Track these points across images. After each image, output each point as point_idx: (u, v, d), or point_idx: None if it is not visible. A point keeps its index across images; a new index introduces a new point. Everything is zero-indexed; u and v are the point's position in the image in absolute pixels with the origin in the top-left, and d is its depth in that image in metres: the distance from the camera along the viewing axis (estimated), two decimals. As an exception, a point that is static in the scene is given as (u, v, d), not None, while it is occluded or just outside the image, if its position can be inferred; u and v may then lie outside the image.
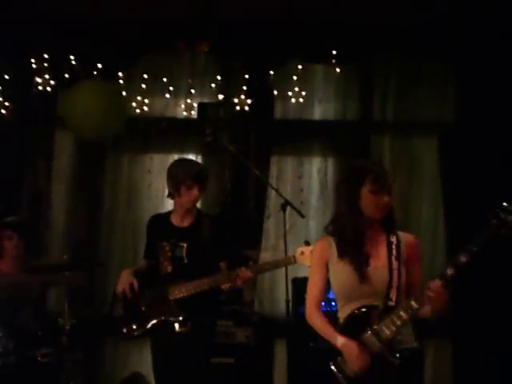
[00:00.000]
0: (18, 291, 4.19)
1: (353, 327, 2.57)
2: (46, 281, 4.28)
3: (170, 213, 3.69)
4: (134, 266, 3.76)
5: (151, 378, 4.34)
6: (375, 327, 2.51)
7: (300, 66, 4.99)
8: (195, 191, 3.53)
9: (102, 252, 4.99)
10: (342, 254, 2.64)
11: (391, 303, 2.54)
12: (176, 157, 4.83)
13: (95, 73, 4.91)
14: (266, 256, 4.53)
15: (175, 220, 3.64)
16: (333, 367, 2.57)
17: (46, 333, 3.89)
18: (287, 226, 3.84)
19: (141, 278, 3.57)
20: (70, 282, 4.03)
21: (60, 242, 5.00)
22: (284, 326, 4.32)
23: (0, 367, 3.66)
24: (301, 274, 4.24)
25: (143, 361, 4.60)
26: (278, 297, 4.85)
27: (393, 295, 2.56)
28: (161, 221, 3.70)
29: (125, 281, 3.54)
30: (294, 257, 3.40)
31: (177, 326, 3.45)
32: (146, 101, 5.03)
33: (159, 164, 5.05)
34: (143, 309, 3.52)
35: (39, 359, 3.77)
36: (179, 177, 3.54)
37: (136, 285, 3.53)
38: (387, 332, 2.49)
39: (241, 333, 4.55)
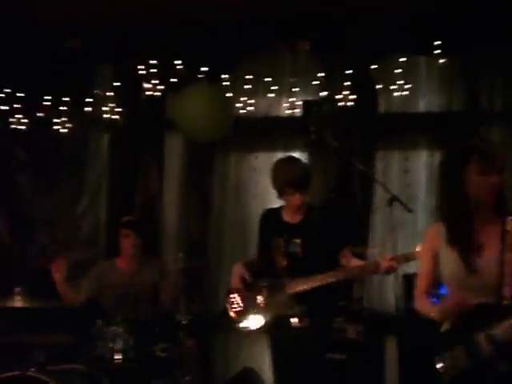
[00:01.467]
0: (135, 288, 4.42)
1: (462, 324, 2.36)
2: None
3: (281, 208, 3.75)
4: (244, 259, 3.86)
5: (263, 374, 4.47)
6: (491, 331, 2.25)
7: (403, 59, 4.92)
8: (297, 196, 3.56)
9: (212, 250, 5.12)
10: (450, 242, 2.44)
11: (505, 302, 2.25)
12: (281, 155, 4.93)
13: (201, 76, 5.06)
14: (374, 252, 4.51)
15: (286, 216, 3.68)
16: (439, 364, 2.36)
17: (163, 328, 4.05)
18: (394, 222, 3.80)
19: (253, 271, 3.66)
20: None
21: (172, 240, 5.17)
22: (394, 322, 4.29)
23: (121, 362, 3.87)
24: (411, 270, 4.18)
25: (255, 356, 4.72)
26: (387, 293, 4.81)
27: (507, 293, 2.26)
28: (273, 216, 3.75)
29: (237, 274, 3.65)
30: (412, 253, 3.33)
31: (294, 320, 3.50)
32: (251, 101, 5.12)
33: (265, 162, 5.08)
34: (259, 303, 3.60)
35: (157, 354, 3.96)
36: (280, 183, 3.59)
37: (247, 277, 3.62)
38: (503, 337, 2.23)
39: (352, 329, 4.54)
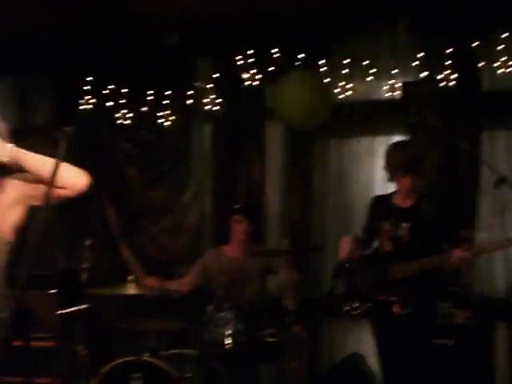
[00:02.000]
0: (243, 274, 4.50)
1: None
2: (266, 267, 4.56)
3: (392, 194, 3.74)
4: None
5: (370, 359, 4.45)
6: None
7: (505, 35, 4.73)
8: (409, 179, 3.55)
9: (315, 237, 5.13)
10: None
11: None
12: (382, 139, 4.88)
13: (298, 63, 5.07)
14: (481, 236, 4.40)
15: (397, 200, 3.68)
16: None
17: (271, 314, 4.11)
18: (503, 205, 3.69)
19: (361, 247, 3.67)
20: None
21: (276, 228, 5.22)
22: (505, 307, 4.17)
23: (232, 347, 3.96)
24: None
25: (362, 341, 4.70)
26: (497, 277, 4.68)
27: None
28: (383, 201, 3.77)
29: (345, 247, 3.67)
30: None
31: (398, 306, 3.48)
32: (349, 85, 5.07)
33: (366, 147, 5.07)
34: (364, 287, 3.60)
35: (266, 339, 4.03)
36: (392, 166, 3.59)
37: (356, 250, 3.62)
38: None
39: (460, 314, 4.45)
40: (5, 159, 2.44)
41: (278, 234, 5.12)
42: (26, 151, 2.50)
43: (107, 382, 3.82)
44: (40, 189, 2.51)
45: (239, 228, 4.57)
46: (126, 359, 3.80)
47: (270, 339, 4.01)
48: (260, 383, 4.43)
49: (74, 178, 2.54)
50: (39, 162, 2.51)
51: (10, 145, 2.47)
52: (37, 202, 2.56)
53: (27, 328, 3.91)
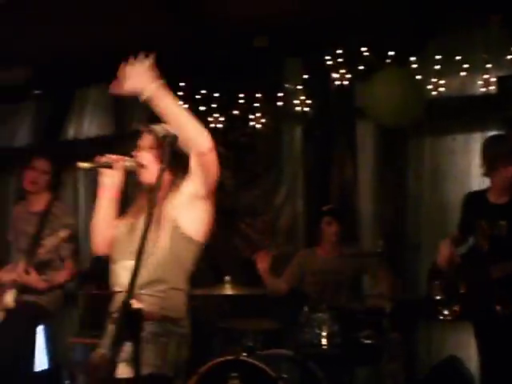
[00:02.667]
0: (337, 275, 4.50)
1: None
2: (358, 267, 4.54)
3: (486, 190, 3.63)
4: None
5: (468, 362, 4.34)
6: None
7: None
8: (510, 170, 3.44)
9: (410, 237, 5.03)
10: None
11: None
12: (478, 135, 4.75)
13: (388, 61, 5.01)
14: None
15: (492, 197, 3.57)
16: None
17: (366, 315, 4.09)
18: None
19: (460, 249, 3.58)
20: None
21: (369, 229, 5.15)
22: None
23: (327, 348, 3.95)
24: None
25: (460, 344, 4.59)
26: None
27: None
28: (477, 198, 3.67)
29: (444, 252, 3.59)
30: None
31: (498, 307, 3.38)
32: (442, 81, 4.97)
33: (462, 144, 4.94)
34: (462, 289, 3.51)
35: (362, 341, 4.00)
36: (491, 158, 3.48)
37: (455, 256, 3.54)
38: None
39: None
40: (146, 94, 2.50)
41: (372, 235, 5.06)
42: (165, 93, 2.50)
43: (205, 381, 3.89)
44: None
45: (329, 229, 4.59)
46: (223, 359, 3.86)
47: (366, 341, 3.98)
48: (356, 384, 4.40)
49: (197, 136, 2.51)
50: (175, 109, 2.52)
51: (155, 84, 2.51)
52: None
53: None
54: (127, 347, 2.25)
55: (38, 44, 5.24)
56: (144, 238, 2.12)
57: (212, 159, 2.57)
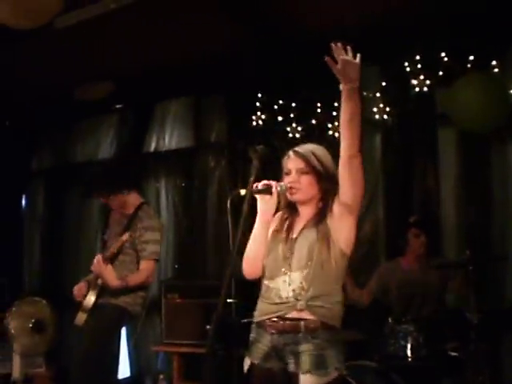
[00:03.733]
0: (422, 288, 4.43)
1: None
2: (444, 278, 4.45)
3: None
4: None
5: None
6: None
7: None
8: None
9: (497, 246, 4.88)
10: None
11: None
12: None
13: (469, 65, 4.90)
14: None
15: None
16: None
17: (453, 327, 4.01)
18: None
19: None
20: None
21: (453, 239, 5.01)
22: None
23: (412, 359, 3.89)
24: None
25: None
26: None
27: None
28: None
29: None
30: None
31: None
32: (527, 85, 4.82)
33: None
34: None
35: (448, 353, 3.92)
36: None
37: None
38: None
39: None
40: (349, 85, 2.79)
41: (456, 246, 4.93)
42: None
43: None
44: None
45: (417, 242, 4.53)
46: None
47: (452, 353, 3.91)
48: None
49: (356, 138, 2.75)
50: (355, 109, 2.78)
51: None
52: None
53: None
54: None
55: (120, 59, 5.40)
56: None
57: (359, 164, 2.73)
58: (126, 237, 4.03)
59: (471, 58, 4.87)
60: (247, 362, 2.80)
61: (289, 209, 2.89)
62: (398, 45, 5.08)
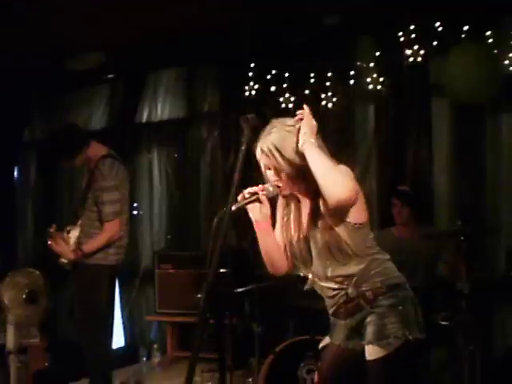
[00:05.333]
0: (413, 256, 4.46)
1: None
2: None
3: None
4: None
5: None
6: None
7: None
8: None
9: (488, 216, 4.88)
10: None
11: None
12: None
13: (463, 36, 4.87)
14: None
15: None
16: None
17: (444, 297, 4.04)
18: None
19: None
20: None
21: (445, 210, 5.03)
22: None
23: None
24: None
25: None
26: None
27: None
28: None
29: None
30: None
31: None
32: (520, 57, 4.79)
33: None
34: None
35: (439, 322, 3.95)
36: None
37: None
38: None
39: None
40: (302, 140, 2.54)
41: (448, 216, 4.95)
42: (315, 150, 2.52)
43: (281, 360, 3.95)
44: None
45: (395, 211, 4.61)
46: (299, 338, 3.90)
47: (443, 322, 3.94)
48: (432, 366, 4.35)
49: (330, 188, 2.46)
50: (321, 168, 2.49)
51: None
52: None
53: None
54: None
55: (110, 29, 5.35)
56: None
57: (350, 206, 2.54)
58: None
59: (465, 28, 4.83)
60: (326, 340, 2.83)
61: (290, 198, 2.73)
62: (392, 15, 5.04)
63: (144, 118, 6.44)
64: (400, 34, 5.05)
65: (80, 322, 4.20)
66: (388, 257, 2.76)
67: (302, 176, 2.57)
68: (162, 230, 6.32)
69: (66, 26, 5.21)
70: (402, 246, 4.49)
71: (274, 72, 5.54)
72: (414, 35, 5.02)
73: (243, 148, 2.25)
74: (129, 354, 6.03)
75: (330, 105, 5.36)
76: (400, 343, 2.52)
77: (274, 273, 2.76)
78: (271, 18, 5.19)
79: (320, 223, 2.60)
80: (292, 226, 2.72)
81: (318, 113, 5.30)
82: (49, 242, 4.11)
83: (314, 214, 2.63)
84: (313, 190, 2.58)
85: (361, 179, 5.28)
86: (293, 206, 2.74)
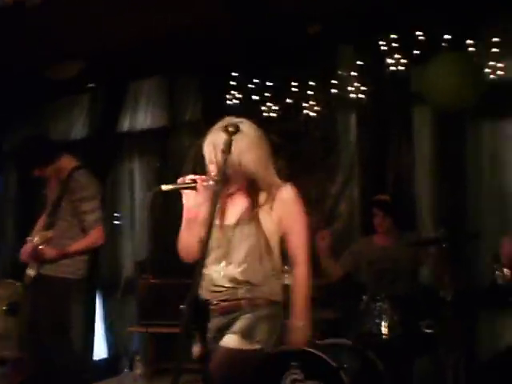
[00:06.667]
0: (393, 264, 4.46)
1: None
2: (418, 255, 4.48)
3: None
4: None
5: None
6: None
7: None
8: None
9: (470, 223, 4.92)
10: None
11: None
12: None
13: (444, 44, 4.90)
14: None
15: None
16: None
17: (427, 305, 4.04)
18: None
19: None
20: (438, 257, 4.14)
21: (427, 217, 5.03)
22: None
23: (388, 337, 3.91)
24: None
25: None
26: None
27: None
28: None
29: (507, 249, 3.49)
30: None
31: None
32: (500, 65, 4.83)
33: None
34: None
35: (423, 330, 3.95)
36: None
37: None
38: None
39: None
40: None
41: (431, 223, 4.97)
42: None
43: (265, 370, 3.90)
44: None
45: (375, 221, 4.60)
46: (283, 348, 3.86)
47: (427, 330, 3.94)
48: (416, 374, 4.35)
49: None
50: None
51: None
52: None
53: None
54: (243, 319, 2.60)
55: (90, 37, 5.31)
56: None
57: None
58: (50, 233, 4.01)
59: (446, 36, 4.86)
60: (198, 344, 2.75)
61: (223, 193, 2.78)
62: (373, 23, 5.06)
63: (125, 128, 6.40)
64: (381, 42, 5.07)
65: (47, 335, 4.11)
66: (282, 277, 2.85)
67: (243, 178, 2.69)
68: (144, 239, 6.27)
69: (46, 34, 5.17)
70: (383, 255, 4.50)
71: (256, 81, 5.54)
72: (395, 44, 5.04)
73: (224, 156, 2.25)
74: (111, 366, 5.96)
75: (312, 113, 5.37)
76: (257, 347, 2.65)
77: (187, 259, 2.79)
78: (254, 27, 5.18)
79: (246, 221, 2.69)
80: (216, 218, 2.71)
81: (299, 122, 5.44)
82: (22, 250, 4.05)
83: (243, 211, 2.72)
84: (251, 189, 2.72)
85: (344, 187, 5.33)
86: (223, 199, 2.77)
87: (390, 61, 5.07)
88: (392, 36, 5.03)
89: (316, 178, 5.42)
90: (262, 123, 5.48)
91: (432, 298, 4.03)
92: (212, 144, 2.69)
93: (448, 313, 3.86)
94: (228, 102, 5.66)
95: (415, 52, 4.98)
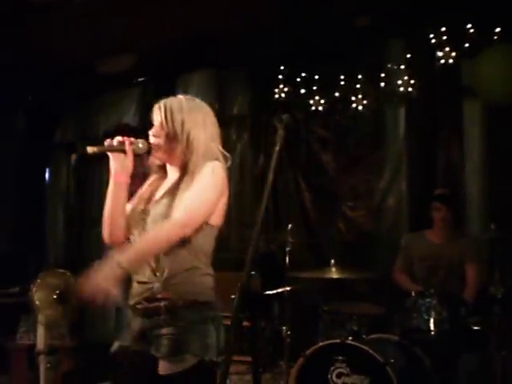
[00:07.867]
0: (445, 261, 4.41)
1: None
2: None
3: None
4: None
5: None
6: None
7: None
8: None
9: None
10: None
11: None
12: None
13: (495, 37, 4.81)
14: None
15: None
16: None
17: (477, 301, 3.99)
18: None
19: None
20: None
21: (477, 213, 4.93)
22: None
23: (435, 333, 3.87)
24: None
25: None
26: None
27: None
28: None
29: None
30: None
31: None
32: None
33: None
34: None
35: (471, 327, 3.90)
36: None
37: None
38: None
39: None
40: None
41: (480, 219, 4.86)
42: None
43: (311, 364, 3.92)
44: None
45: (438, 215, 4.51)
46: (330, 342, 3.87)
47: (475, 327, 3.89)
48: (463, 371, 4.30)
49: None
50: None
51: None
52: None
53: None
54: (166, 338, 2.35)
55: (140, 31, 5.38)
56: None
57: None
58: None
59: (497, 29, 4.77)
60: (115, 344, 2.55)
61: (160, 171, 2.62)
62: (424, 16, 5.00)
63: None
64: (431, 35, 5.00)
65: None
66: (211, 272, 2.53)
67: (176, 147, 2.47)
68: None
69: (97, 29, 5.25)
70: (437, 251, 4.45)
71: (303, 74, 5.53)
72: (445, 37, 4.97)
73: (277, 148, 2.20)
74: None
75: (360, 107, 5.33)
76: (195, 362, 2.35)
77: (111, 243, 2.55)
78: (301, 20, 5.17)
79: (173, 201, 2.44)
80: (145, 195, 2.59)
81: (347, 115, 5.40)
82: None
83: (172, 191, 2.49)
84: (182, 165, 2.50)
85: (391, 181, 5.28)
86: (156, 177, 2.63)
87: (439, 54, 5.00)
88: (442, 29, 4.96)
89: (364, 172, 5.41)
90: (310, 117, 5.57)
91: (481, 294, 3.98)
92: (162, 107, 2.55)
93: (497, 310, 3.80)
94: (275, 95, 5.65)
95: (465, 45, 4.90)
